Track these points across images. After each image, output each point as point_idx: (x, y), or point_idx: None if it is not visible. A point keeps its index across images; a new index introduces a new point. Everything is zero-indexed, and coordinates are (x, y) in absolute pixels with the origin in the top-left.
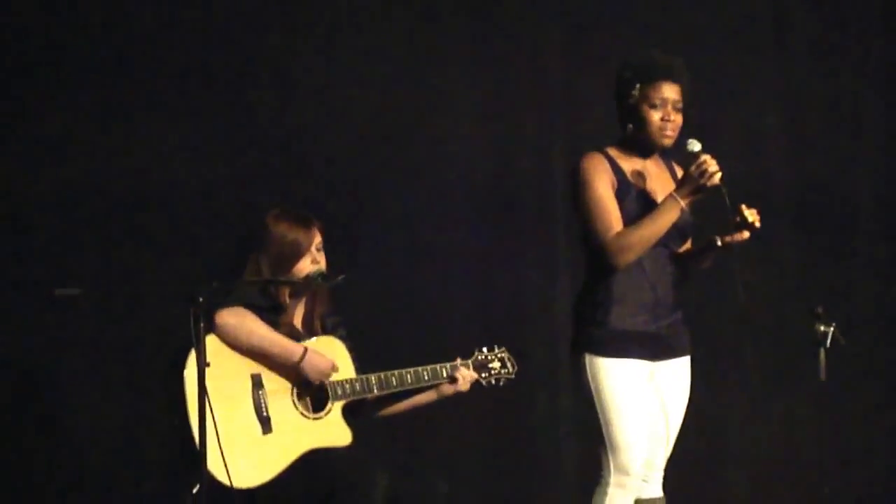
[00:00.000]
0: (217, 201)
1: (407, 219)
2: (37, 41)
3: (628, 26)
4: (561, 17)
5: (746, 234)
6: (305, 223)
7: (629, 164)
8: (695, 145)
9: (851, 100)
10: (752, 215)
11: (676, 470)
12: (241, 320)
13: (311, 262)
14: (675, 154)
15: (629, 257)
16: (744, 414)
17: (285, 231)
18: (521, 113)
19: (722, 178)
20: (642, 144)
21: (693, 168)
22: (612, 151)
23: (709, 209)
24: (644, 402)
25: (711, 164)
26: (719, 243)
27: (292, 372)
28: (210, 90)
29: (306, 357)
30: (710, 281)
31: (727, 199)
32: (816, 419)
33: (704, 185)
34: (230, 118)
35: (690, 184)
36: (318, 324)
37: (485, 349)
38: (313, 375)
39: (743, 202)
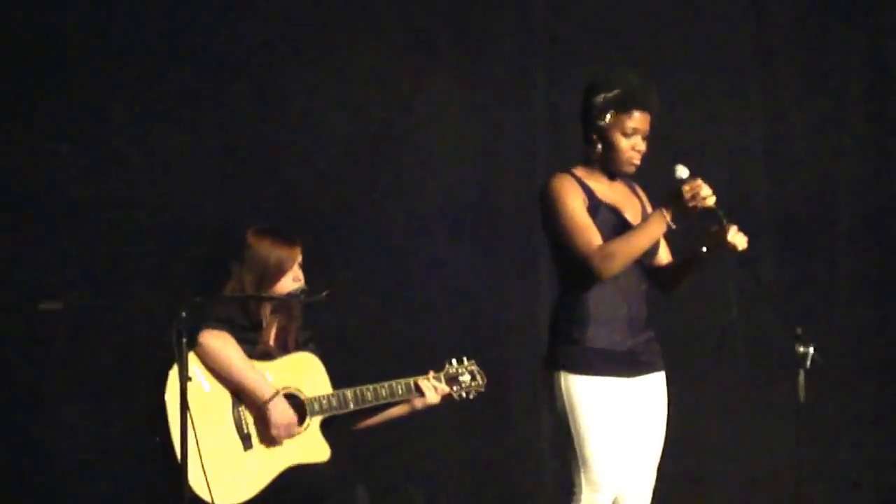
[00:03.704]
0: (199, 217)
1: (389, 234)
2: (18, 52)
3: (613, 47)
4: (546, 36)
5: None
6: (289, 241)
7: (597, 184)
8: (683, 171)
9: (833, 121)
10: (737, 238)
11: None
12: (222, 346)
13: (293, 280)
14: (638, 178)
15: (613, 268)
16: (722, 434)
17: (269, 248)
18: (504, 129)
19: (717, 201)
20: (608, 167)
21: (687, 188)
22: (579, 172)
23: (691, 223)
24: (618, 420)
25: (704, 188)
26: (704, 250)
27: (259, 405)
28: (193, 105)
29: (274, 401)
30: (688, 299)
31: (724, 221)
32: (795, 440)
33: (696, 206)
34: (213, 133)
35: (681, 205)
36: (291, 340)
37: (454, 361)
38: (275, 421)
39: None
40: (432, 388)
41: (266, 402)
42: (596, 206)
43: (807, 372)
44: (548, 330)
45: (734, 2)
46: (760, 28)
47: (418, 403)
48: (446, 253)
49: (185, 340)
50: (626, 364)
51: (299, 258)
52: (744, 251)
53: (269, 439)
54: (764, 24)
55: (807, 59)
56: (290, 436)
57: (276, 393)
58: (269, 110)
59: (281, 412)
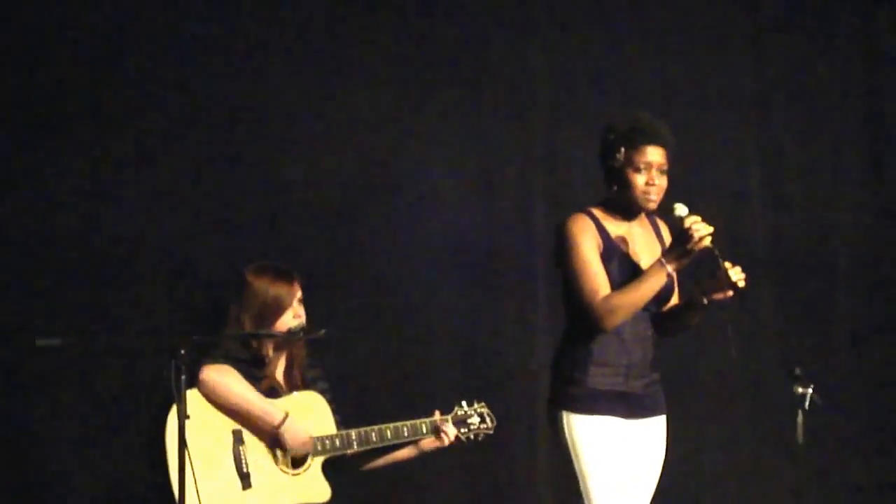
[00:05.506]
0: (199, 254)
1: (388, 275)
2: (19, 90)
3: (612, 87)
4: (546, 76)
5: (731, 293)
6: (287, 278)
7: (614, 226)
8: (681, 210)
9: (830, 161)
10: (736, 274)
11: None
12: (224, 378)
13: (294, 317)
14: (660, 212)
15: (615, 321)
16: (721, 475)
17: (267, 286)
18: (503, 171)
19: (713, 240)
20: (626, 206)
21: (685, 230)
22: (598, 212)
23: (693, 267)
24: (620, 460)
25: (700, 229)
26: (705, 302)
27: (272, 431)
28: (194, 143)
29: (286, 423)
30: (688, 340)
31: (721, 259)
32: (794, 481)
33: (693, 249)
34: (213, 171)
35: (678, 249)
36: (298, 377)
37: (464, 404)
38: (291, 443)
39: (727, 261)
40: (439, 431)
41: (277, 428)
42: (611, 252)
43: (805, 413)
44: (550, 369)
45: (732, 41)
46: (757, 68)
47: (425, 446)
48: (444, 293)
49: (183, 378)
50: (627, 406)
51: (298, 294)
52: (743, 290)
53: (269, 478)
54: (761, 63)
55: (803, 96)
56: (307, 453)
57: (286, 416)
58: (268, 149)
59: (294, 435)
